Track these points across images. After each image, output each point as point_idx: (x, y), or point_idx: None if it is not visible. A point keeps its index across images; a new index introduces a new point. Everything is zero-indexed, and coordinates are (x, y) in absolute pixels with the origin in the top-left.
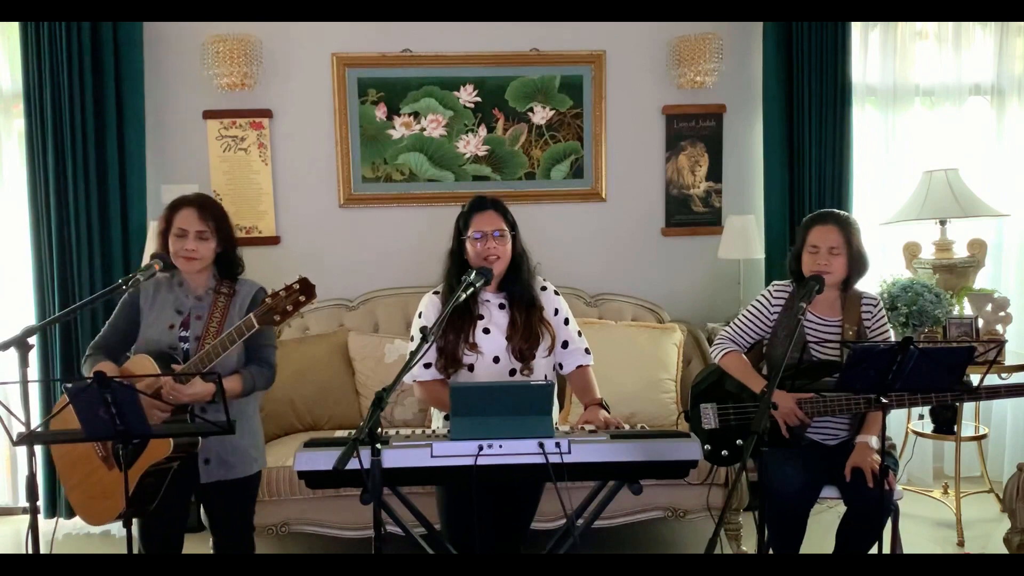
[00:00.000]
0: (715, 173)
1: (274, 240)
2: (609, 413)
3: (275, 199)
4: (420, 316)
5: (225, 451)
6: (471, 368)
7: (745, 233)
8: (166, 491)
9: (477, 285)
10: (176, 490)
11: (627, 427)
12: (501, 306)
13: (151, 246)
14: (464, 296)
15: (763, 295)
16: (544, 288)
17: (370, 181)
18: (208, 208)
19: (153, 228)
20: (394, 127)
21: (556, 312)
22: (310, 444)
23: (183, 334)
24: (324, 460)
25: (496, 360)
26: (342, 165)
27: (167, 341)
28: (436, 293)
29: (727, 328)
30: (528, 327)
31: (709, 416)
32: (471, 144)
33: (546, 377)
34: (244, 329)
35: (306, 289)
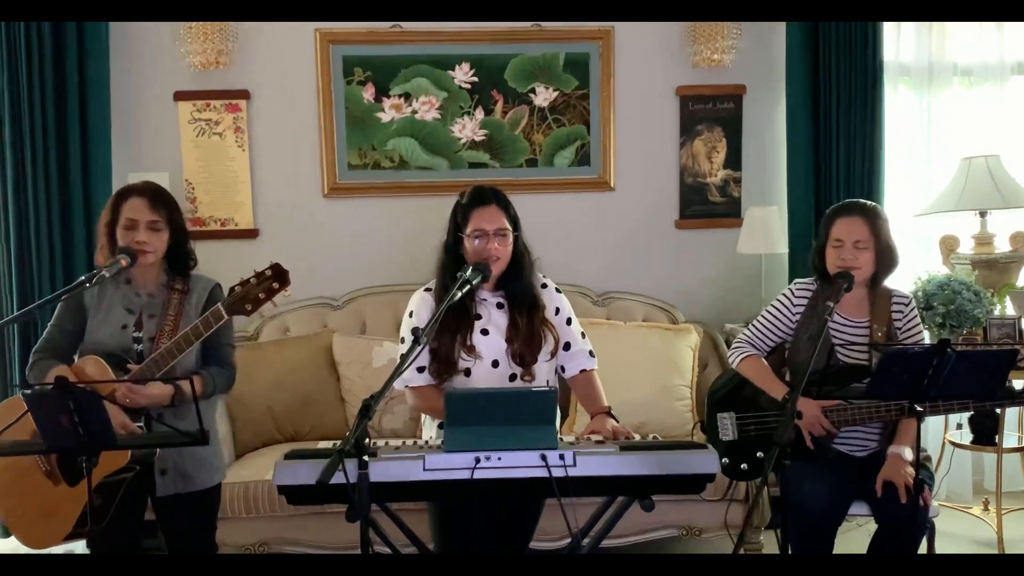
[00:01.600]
0: (734, 160)
1: (252, 233)
2: (618, 422)
3: (253, 188)
4: (411, 316)
5: (183, 461)
6: (468, 373)
7: (767, 226)
8: (118, 506)
9: (474, 282)
10: (130, 505)
11: (637, 437)
12: (500, 305)
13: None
14: (460, 294)
15: (784, 294)
16: (545, 285)
17: (357, 168)
18: (159, 196)
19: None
20: (383, 110)
21: (557, 311)
22: (291, 456)
23: (136, 334)
24: (306, 473)
25: (495, 364)
26: (326, 151)
27: (120, 343)
28: (428, 290)
29: (746, 331)
30: (530, 329)
31: (727, 426)
32: (467, 128)
33: (548, 383)
34: (212, 321)
35: (279, 275)
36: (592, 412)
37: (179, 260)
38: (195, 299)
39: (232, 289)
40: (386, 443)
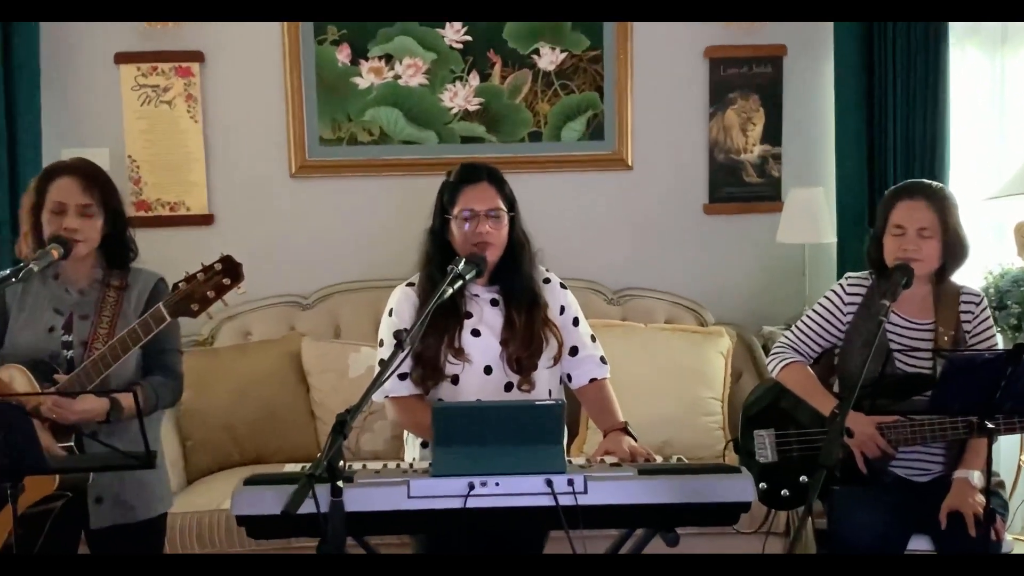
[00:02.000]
0: (773, 133)
1: (206, 219)
2: (636, 441)
3: (208, 167)
4: (391, 314)
5: (123, 487)
6: (455, 380)
7: (811, 211)
8: (45, 541)
9: (467, 277)
10: (59, 539)
11: (659, 459)
12: (494, 302)
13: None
14: (451, 292)
15: (834, 291)
16: (547, 280)
17: (330, 144)
18: (92, 176)
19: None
20: (360, 75)
21: (562, 311)
22: (252, 481)
23: (66, 339)
24: (270, 501)
25: (487, 371)
26: (294, 124)
27: (47, 348)
28: (410, 285)
29: (787, 334)
30: (529, 330)
31: (765, 445)
32: (459, 96)
33: (550, 393)
34: (152, 324)
35: (230, 269)
36: (605, 429)
37: (116, 251)
38: (135, 297)
39: (176, 286)
40: (364, 466)
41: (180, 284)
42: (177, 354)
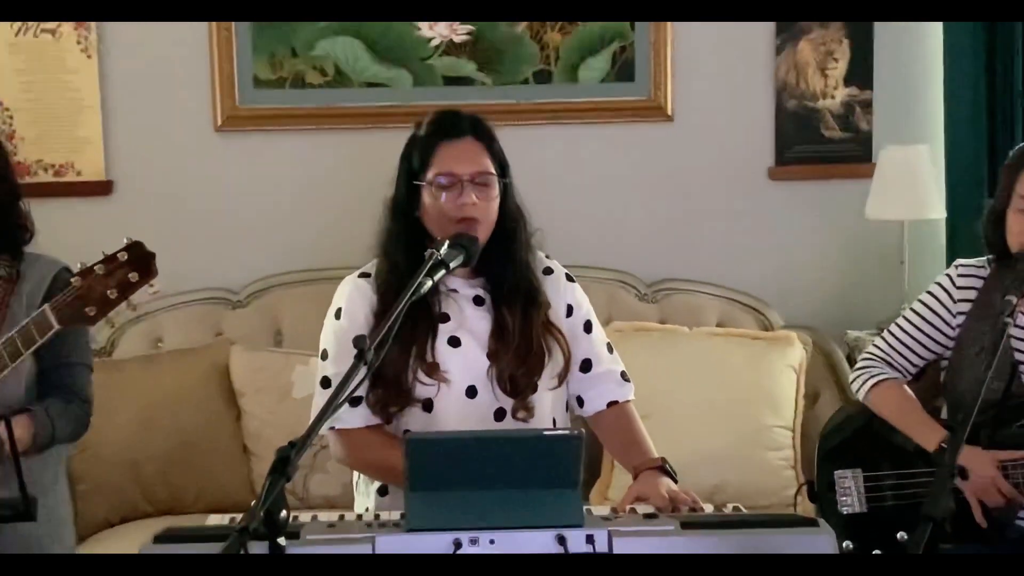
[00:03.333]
0: (861, 73)
1: (103, 187)
2: (677, 483)
3: (105, 118)
4: (340, 316)
5: (6, 544)
6: (427, 406)
7: (912, 176)
8: None
9: (452, 265)
10: None
11: (709, 508)
12: (478, 300)
13: None
14: (430, 284)
15: (940, 284)
16: (548, 271)
17: (268, 86)
18: None
19: None
20: None
21: (569, 311)
22: (165, 538)
23: None
24: None
25: (471, 392)
26: (220, 60)
27: None
28: (364, 276)
29: (879, 341)
30: (526, 338)
31: (850, 491)
32: (441, 23)
33: (554, 422)
34: (36, 333)
35: (139, 260)
36: (635, 468)
37: (3, 230)
38: (27, 292)
39: (67, 282)
40: (314, 517)
41: (73, 279)
42: (84, 370)
